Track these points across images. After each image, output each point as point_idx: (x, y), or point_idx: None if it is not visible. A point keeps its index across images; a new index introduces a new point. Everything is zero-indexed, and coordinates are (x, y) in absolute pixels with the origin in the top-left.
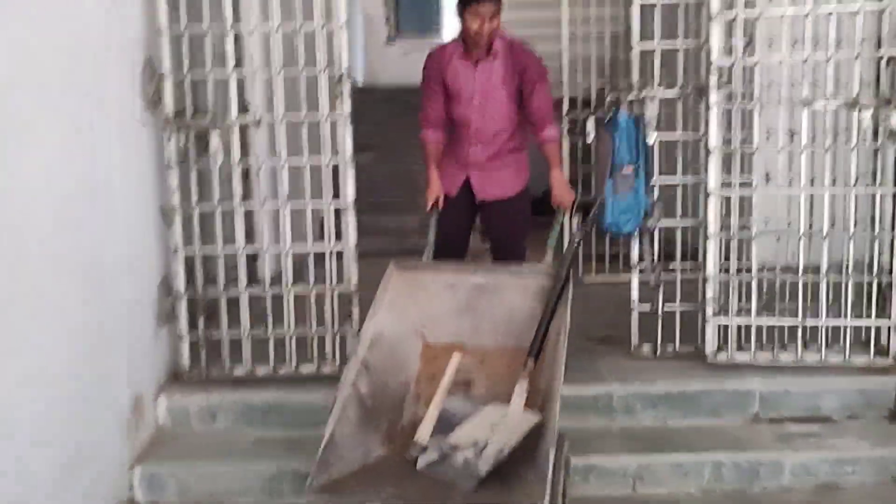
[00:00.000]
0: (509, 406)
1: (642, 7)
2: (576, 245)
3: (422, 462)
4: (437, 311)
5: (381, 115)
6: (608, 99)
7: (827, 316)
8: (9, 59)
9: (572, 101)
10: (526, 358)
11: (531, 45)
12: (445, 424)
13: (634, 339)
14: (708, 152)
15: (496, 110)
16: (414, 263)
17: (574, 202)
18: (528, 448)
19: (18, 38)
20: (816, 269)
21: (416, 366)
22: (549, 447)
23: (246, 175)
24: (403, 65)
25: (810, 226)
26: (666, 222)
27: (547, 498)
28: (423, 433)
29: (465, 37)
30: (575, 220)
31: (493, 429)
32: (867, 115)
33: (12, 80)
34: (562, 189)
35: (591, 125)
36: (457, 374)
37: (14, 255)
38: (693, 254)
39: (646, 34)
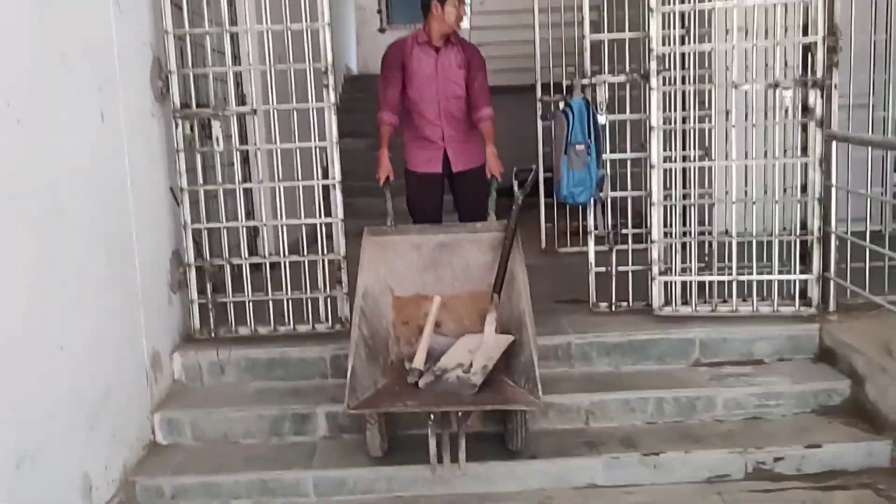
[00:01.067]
0: (482, 334)
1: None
2: (518, 203)
3: (422, 382)
4: (404, 268)
5: (374, 102)
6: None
7: (758, 272)
8: (43, 59)
9: (545, 87)
10: (492, 293)
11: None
12: (430, 355)
13: (592, 297)
14: (650, 129)
15: (456, 88)
16: (384, 229)
17: (502, 172)
18: (506, 363)
19: (51, 43)
20: (750, 232)
21: (391, 315)
22: (534, 354)
23: (245, 159)
24: None
25: (745, 193)
26: (616, 193)
27: (540, 391)
28: (419, 361)
29: (430, 27)
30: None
31: (472, 353)
32: (788, 94)
33: (46, 76)
34: (493, 161)
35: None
36: (423, 317)
37: (51, 227)
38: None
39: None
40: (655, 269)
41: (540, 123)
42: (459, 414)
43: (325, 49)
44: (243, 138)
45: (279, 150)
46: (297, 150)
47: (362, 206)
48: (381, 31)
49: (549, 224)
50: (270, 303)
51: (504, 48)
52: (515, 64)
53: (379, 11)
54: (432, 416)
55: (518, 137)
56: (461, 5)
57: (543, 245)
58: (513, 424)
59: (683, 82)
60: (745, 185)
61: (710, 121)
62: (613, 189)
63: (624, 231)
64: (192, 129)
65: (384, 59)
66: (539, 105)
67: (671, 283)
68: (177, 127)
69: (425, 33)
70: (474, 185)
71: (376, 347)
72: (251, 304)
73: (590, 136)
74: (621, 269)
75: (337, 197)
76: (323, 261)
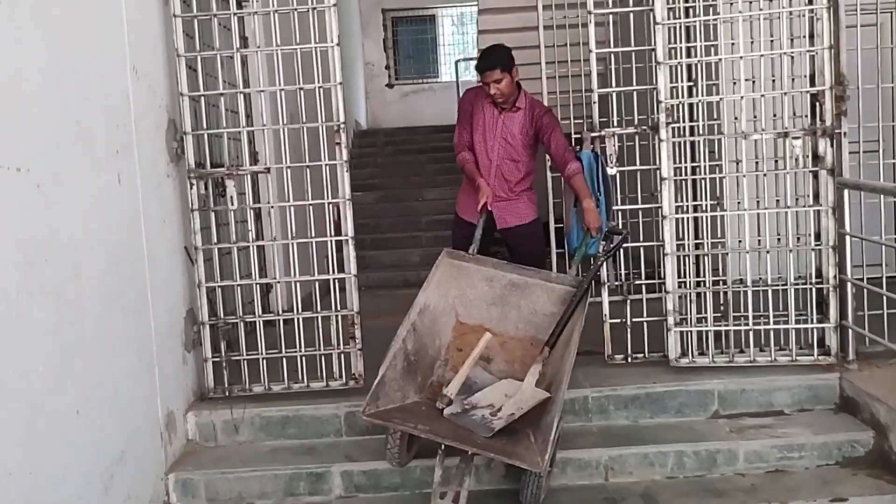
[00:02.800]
0: (522, 383)
1: (598, 56)
2: (600, 263)
3: (448, 411)
4: (473, 296)
5: (384, 156)
6: (574, 137)
7: (774, 321)
8: (61, 126)
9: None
10: (543, 346)
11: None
12: (468, 387)
13: (608, 349)
14: (661, 180)
15: (515, 150)
16: (461, 254)
17: (601, 227)
18: (532, 418)
19: (69, 110)
20: (765, 281)
21: (448, 337)
22: (556, 417)
23: (258, 216)
24: (402, 107)
25: (759, 242)
26: (629, 244)
27: (548, 456)
28: (452, 389)
29: None
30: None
31: (507, 398)
32: (797, 143)
33: (65, 142)
34: (590, 215)
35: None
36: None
37: (69, 292)
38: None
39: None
40: (671, 320)
41: (549, 175)
42: (468, 453)
43: (337, 108)
44: (256, 196)
45: (292, 208)
46: (310, 207)
47: (372, 260)
48: (389, 86)
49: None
50: (284, 360)
51: None
52: None
53: (387, 67)
54: (442, 447)
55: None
56: (500, 82)
57: None
58: (525, 479)
59: (693, 133)
60: (759, 233)
61: (720, 171)
62: (626, 240)
63: (638, 281)
64: (206, 188)
65: (459, 102)
66: (548, 158)
67: (687, 333)
68: (192, 187)
69: None
70: (524, 242)
71: (419, 364)
72: (265, 361)
73: (599, 189)
74: (636, 320)
75: (350, 252)
76: (336, 317)
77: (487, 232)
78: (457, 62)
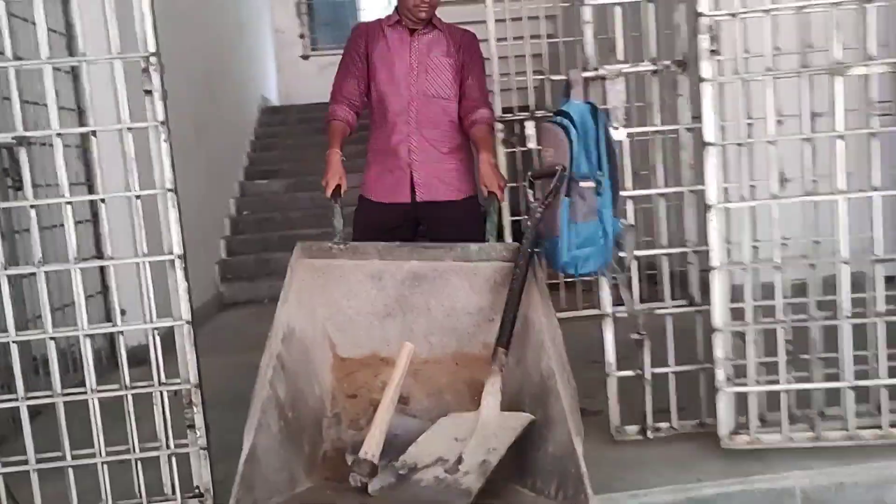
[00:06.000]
0: (472, 413)
1: None
2: (538, 216)
3: (374, 486)
4: (354, 311)
5: (295, 136)
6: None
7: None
8: None
9: (506, 108)
10: (495, 347)
11: None
12: (385, 445)
13: (614, 417)
14: (705, 146)
15: (439, 81)
16: (326, 248)
17: (505, 186)
18: (525, 462)
19: None
20: (861, 304)
21: (329, 381)
22: (575, 439)
23: None
24: (320, 81)
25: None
26: (645, 252)
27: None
28: (370, 450)
29: (401, 10)
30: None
31: (462, 442)
32: None
33: None
34: (491, 172)
35: (530, 128)
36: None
37: None
38: (682, 288)
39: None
40: (721, 375)
41: (502, 151)
42: None
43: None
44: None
45: (69, 208)
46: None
47: (278, 264)
48: (304, 57)
49: None
50: (70, 473)
51: None
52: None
53: (301, 36)
54: None
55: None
56: None
57: None
58: None
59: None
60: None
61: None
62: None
63: (660, 310)
64: None
65: (347, 43)
66: (500, 127)
67: (744, 394)
68: None
69: (397, 13)
70: (455, 230)
71: (300, 425)
72: (36, 473)
73: (600, 166)
74: (659, 370)
75: (178, 281)
76: (160, 394)
77: (406, 223)
78: None
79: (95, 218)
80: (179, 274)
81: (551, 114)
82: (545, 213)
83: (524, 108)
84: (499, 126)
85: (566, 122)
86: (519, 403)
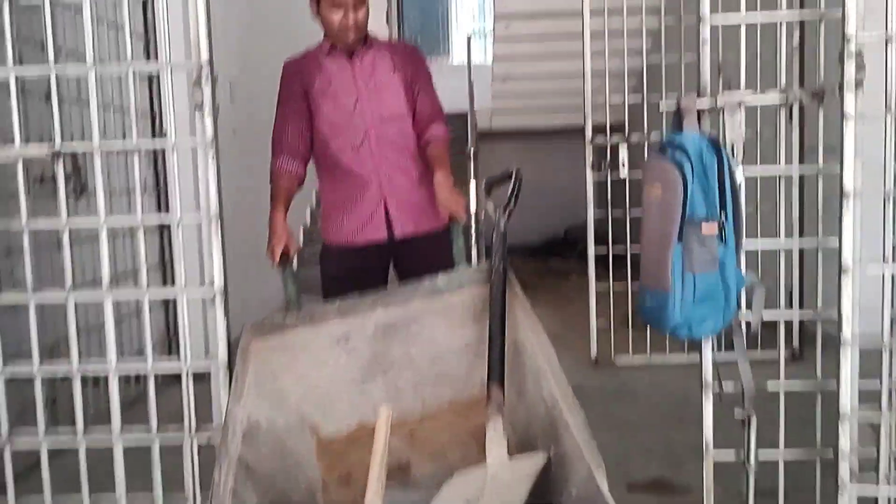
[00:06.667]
0: (478, 470)
1: None
2: (503, 226)
3: None
4: (327, 382)
5: None
6: (662, 107)
7: None
8: None
9: (597, 127)
10: (488, 387)
11: None
12: None
13: (709, 502)
14: (844, 197)
15: (391, 100)
16: (278, 322)
17: (466, 206)
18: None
19: None
20: None
21: (317, 470)
22: (595, 471)
23: None
24: None
25: None
26: (766, 314)
27: None
28: None
29: (330, 36)
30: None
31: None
32: None
33: None
34: (448, 193)
35: (624, 152)
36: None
37: None
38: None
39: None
40: (845, 470)
41: (590, 175)
42: None
43: (197, 41)
44: None
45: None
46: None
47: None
48: None
49: (604, 318)
50: None
51: (538, 83)
52: (552, 102)
53: None
54: None
55: (561, 191)
56: (358, 7)
57: (594, 353)
58: None
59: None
60: None
61: None
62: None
63: (775, 388)
64: None
65: (280, 86)
66: (590, 149)
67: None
68: None
69: (327, 39)
70: (436, 257)
71: None
72: None
73: (723, 207)
74: (767, 455)
75: (218, 316)
76: (192, 442)
77: (380, 265)
78: (469, 38)
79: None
80: (219, 311)
81: (656, 141)
82: (650, 260)
83: (618, 128)
84: (588, 150)
85: (679, 155)
86: (530, 441)
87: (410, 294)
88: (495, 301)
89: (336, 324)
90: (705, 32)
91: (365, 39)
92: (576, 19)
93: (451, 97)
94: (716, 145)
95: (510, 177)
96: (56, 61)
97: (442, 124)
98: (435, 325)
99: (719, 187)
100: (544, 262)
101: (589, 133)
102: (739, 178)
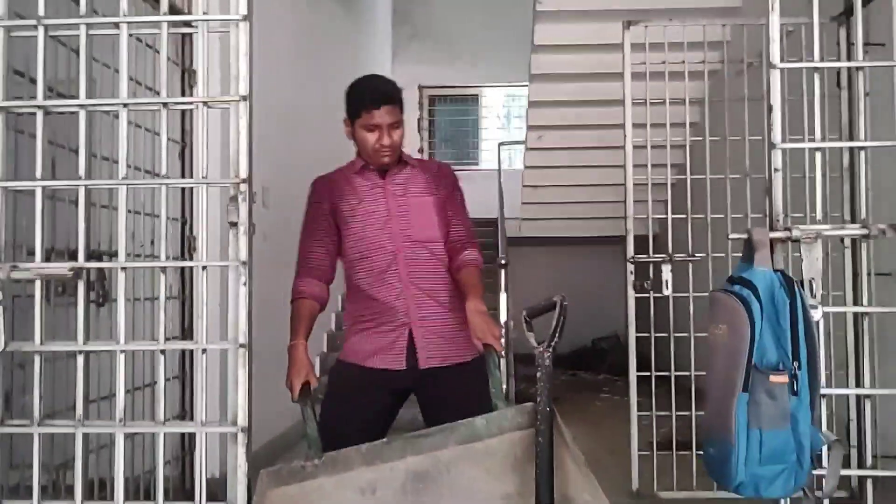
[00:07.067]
0: None
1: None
2: (548, 361)
3: None
4: None
5: None
6: (733, 237)
7: None
8: None
9: (640, 240)
10: None
11: None
12: None
13: None
14: None
15: (424, 223)
16: (298, 468)
17: (501, 337)
18: None
19: None
20: None
21: None
22: None
23: None
24: None
25: None
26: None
27: None
28: None
29: (363, 155)
30: None
31: None
32: None
33: None
34: (484, 321)
35: (668, 273)
36: None
37: None
38: None
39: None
40: None
41: (632, 294)
42: None
43: (236, 161)
44: None
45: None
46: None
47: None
48: None
49: (645, 451)
50: None
51: (569, 192)
52: (583, 211)
53: (420, 150)
54: None
55: (588, 299)
56: (394, 128)
57: (636, 484)
58: None
59: None
60: None
61: None
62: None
63: None
64: None
65: (308, 204)
66: (631, 268)
67: None
68: None
69: (360, 157)
70: (463, 400)
71: None
72: None
73: (796, 354)
74: None
75: (240, 455)
76: None
77: (395, 395)
78: (500, 145)
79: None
80: (240, 451)
81: (691, 256)
82: (713, 408)
83: (656, 240)
84: (630, 268)
85: (747, 293)
86: None
87: (444, 439)
88: (541, 449)
89: (361, 472)
90: (776, 160)
91: (399, 158)
92: (610, 131)
93: (479, 203)
94: (790, 283)
95: (553, 307)
96: (89, 169)
97: (475, 249)
98: (472, 475)
99: (792, 331)
100: (573, 373)
101: (630, 248)
102: (818, 317)
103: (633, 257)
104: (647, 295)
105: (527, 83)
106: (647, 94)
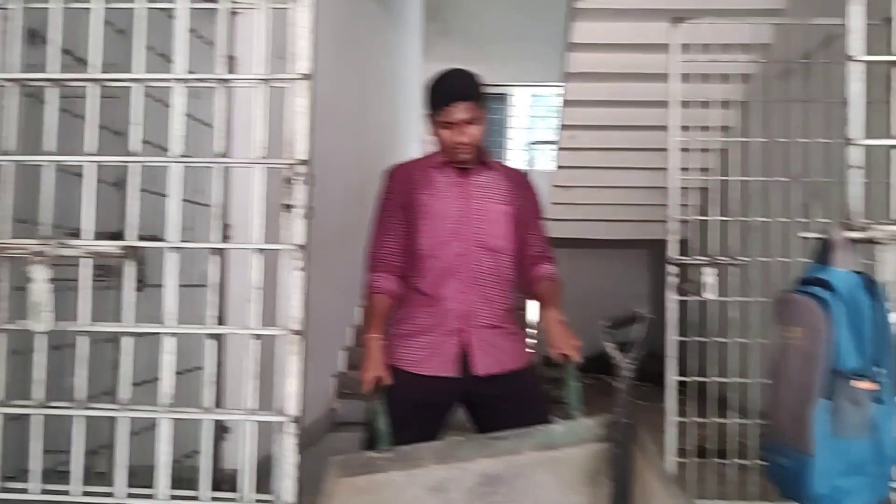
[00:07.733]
0: None
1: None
2: (626, 377)
3: None
4: None
5: None
6: (806, 236)
7: None
8: None
9: (683, 243)
10: None
11: None
12: None
13: None
14: None
15: (498, 232)
16: (368, 461)
17: (579, 346)
18: None
19: None
20: None
21: None
22: None
23: None
24: None
25: None
26: None
27: None
28: None
29: (443, 149)
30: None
31: None
32: None
33: None
34: (563, 331)
35: (709, 275)
36: None
37: None
38: None
39: None
40: None
41: (674, 300)
42: None
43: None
44: None
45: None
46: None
47: None
48: None
49: (681, 457)
50: None
51: (600, 194)
52: (613, 213)
53: None
54: None
55: (612, 300)
56: (476, 123)
57: None
58: None
59: None
60: None
61: None
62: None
63: None
64: None
65: (381, 193)
66: (675, 270)
67: None
68: None
69: (441, 152)
70: (518, 407)
71: None
72: None
73: (879, 360)
74: None
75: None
76: None
77: (450, 401)
78: (531, 144)
79: None
80: (291, 441)
81: (733, 260)
82: (782, 412)
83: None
84: (672, 270)
85: (827, 293)
86: None
87: (520, 443)
88: (619, 461)
89: (432, 469)
90: (855, 157)
91: (481, 157)
92: (646, 132)
93: None
94: (872, 286)
95: (634, 319)
96: (139, 149)
97: (550, 263)
98: (545, 482)
99: (875, 335)
100: (597, 378)
101: (675, 253)
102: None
103: (674, 259)
104: (687, 298)
105: (555, 83)
106: (689, 95)
